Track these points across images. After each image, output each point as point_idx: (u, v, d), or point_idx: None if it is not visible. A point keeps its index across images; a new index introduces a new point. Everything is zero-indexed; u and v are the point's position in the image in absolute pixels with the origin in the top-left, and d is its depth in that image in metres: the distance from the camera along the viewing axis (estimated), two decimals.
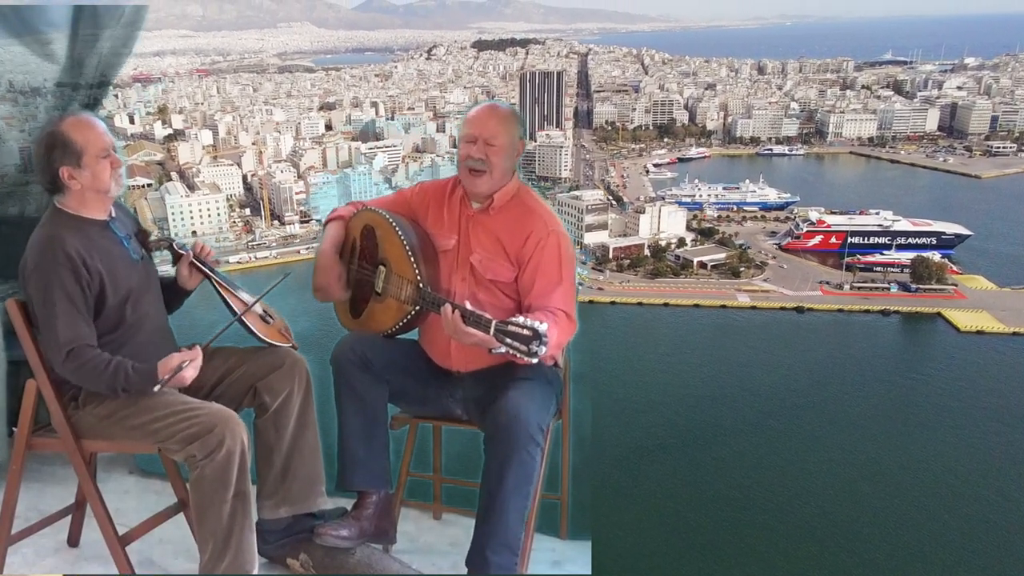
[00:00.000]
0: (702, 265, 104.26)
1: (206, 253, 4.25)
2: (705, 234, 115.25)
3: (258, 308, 4.19)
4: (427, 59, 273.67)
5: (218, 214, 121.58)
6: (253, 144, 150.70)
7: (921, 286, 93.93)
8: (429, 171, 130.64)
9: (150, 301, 4.05)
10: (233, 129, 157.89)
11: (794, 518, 51.59)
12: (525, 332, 3.43)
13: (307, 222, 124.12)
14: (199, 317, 4.71)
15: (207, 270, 4.21)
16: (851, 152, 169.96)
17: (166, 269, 4.26)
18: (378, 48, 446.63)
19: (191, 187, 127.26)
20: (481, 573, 3.83)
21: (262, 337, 4.11)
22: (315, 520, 4.22)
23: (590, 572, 4.56)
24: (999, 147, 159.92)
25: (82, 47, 5.54)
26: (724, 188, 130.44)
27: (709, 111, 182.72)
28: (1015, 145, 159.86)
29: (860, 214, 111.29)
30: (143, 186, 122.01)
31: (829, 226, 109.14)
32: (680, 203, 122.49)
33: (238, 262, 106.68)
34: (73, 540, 4.48)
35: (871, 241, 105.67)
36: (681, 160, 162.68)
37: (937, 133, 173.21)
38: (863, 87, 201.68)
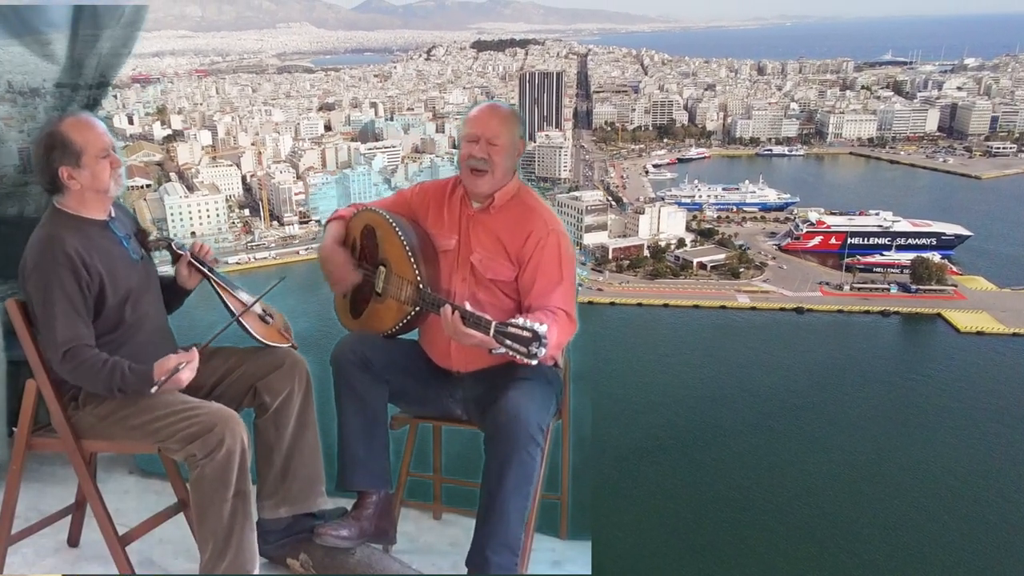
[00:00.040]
0: (702, 266, 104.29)
1: (204, 252, 4.25)
2: (705, 235, 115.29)
3: (257, 308, 4.19)
4: (426, 60, 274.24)
5: (217, 215, 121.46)
6: (252, 145, 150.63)
7: (921, 287, 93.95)
8: (428, 172, 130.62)
9: (150, 301, 4.05)
10: (232, 130, 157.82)
11: (794, 519, 51.59)
12: (525, 334, 3.42)
13: (306, 223, 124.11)
14: (199, 317, 4.70)
15: (205, 270, 4.21)
16: (851, 153, 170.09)
17: (166, 269, 4.26)
18: (377, 49, 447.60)
19: (190, 188, 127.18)
20: (481, 573, 3.83)
21: (259, 339, 4.11)
22: (315, 520, 4.21)
23: (590, 572, 4.56)
24: (999, 148, 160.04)
25: (82, 47, 5.53)
26: (724, 189, 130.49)
27: (709, 112, 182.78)
28: (1015, 146, 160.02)
29: (860, 215, 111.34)
30: (142, 187, 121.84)
31: (829, 227, 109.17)
32: (680, 204, 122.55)
33: (237, 263, 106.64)
34: (73, 540, 4.48)
35: (871, 242, 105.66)
36: (681, 161, 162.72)
37: (937, 134, 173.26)
38: (863, 87, 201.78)
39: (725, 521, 51.20)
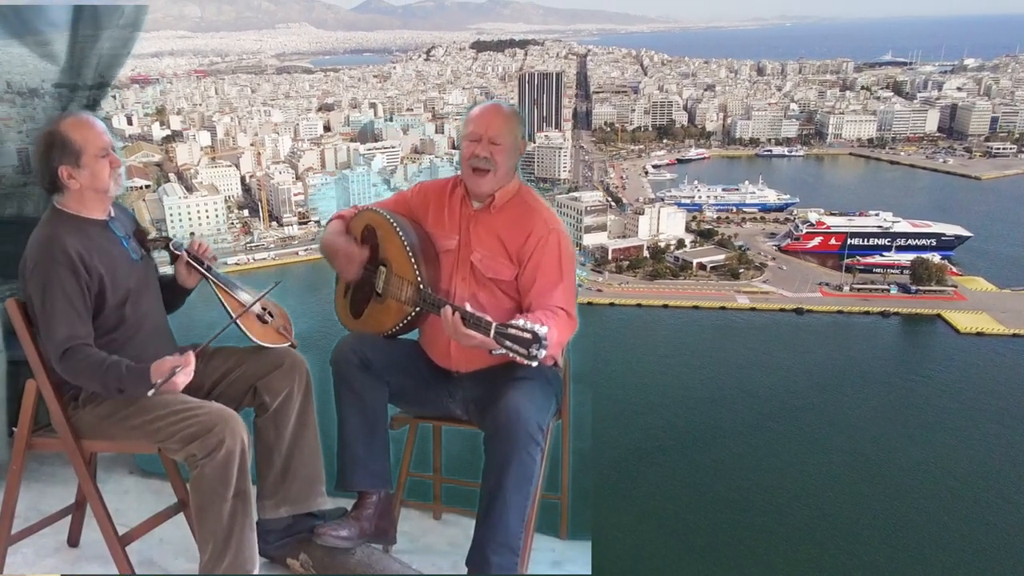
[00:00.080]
0: (701, 266, 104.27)
1: (203, 251, 4.25)
2: (704, 235, 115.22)
3: (256, 307, 4.18)
4: (426, 60, 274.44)
5: (216, 215, 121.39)
6: (251, 145, 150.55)
7: (921, 287, 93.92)
8: (428, 172, 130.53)
9: (149, 301, 4.06)
10: (231, 130, 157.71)
11: (793, 520, 51.57)
12: (525, 335, 3.42)
13: (306, 223, 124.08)
14: (198, 317, 4.70)
15: (202, 270, 4.21)
16: (851, 153, 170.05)
17: (168, 269, 4.26)
18: (377, 49, 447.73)
19: (189, 188, 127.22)
20: (481, 573, 3.83)
21: (255, 341, 4.10)
22: (315, 520, 4.21)
23: (590, 572, 4.56)
24: (999, 148, 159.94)
25: (82, 48, 5.54)
26: (723, 189, 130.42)
27: (708, 112, 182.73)
28: (1015, 146, 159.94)
29: (860, 215, 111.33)
30: (141, 187, 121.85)
31: (829, 227, 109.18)
32: (679, 204, 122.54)
33: (236, 263, 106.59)
34: (73, 540, 4.48)
35: (871, 242, 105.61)
36: (680, 161, 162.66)
37: (937, 134, 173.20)
38: (863, 88, 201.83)
39: (725, 522, 51.19)
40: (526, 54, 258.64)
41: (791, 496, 54.22)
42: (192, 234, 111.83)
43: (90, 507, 3.94)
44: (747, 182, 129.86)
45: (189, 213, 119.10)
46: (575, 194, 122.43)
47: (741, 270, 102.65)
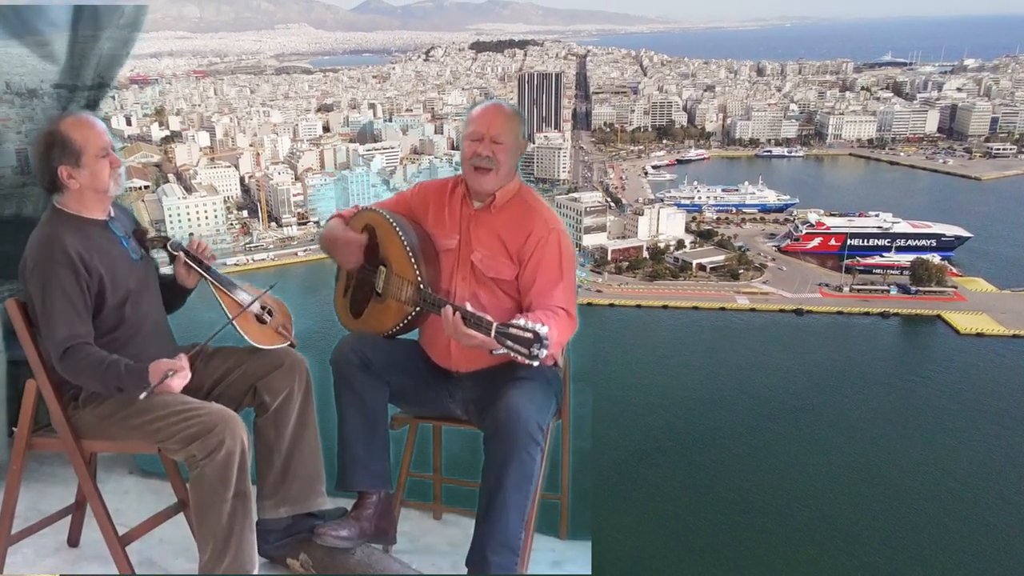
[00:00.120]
0: (701, 267, 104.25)
1: (201, 250, 4.25)
2: (704, 236, 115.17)
3: (255, 306, 4.18)
4: (425, 60, 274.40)
5: (215, 216, 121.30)
6: (250, 146, 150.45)
7: (921, 288, 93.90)
8: (427, 173, 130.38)
9: (149, 301, 4.06)
10: (230, 131, 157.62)
11: (793, 521, 51.56)
12: (526, 335, 3.42)
13: (305, 224, 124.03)
14: (198, 317, 4.70)
15: (200, 270, 4.20)
16: (850, 154, 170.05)
17: (168, 269, 4.26)
18: (376, 49, 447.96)
19: (188, 189, 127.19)
20: (481, 573, 3.83)
21: (252, 343, 4.10)
22: (315, 520, 4.21)
23: (590, 572, 4.56)
24: (999, 149, 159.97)
25: (82, 48, 5.53)
26: (723, 190, 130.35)
27: (708, 113, 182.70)
28: (1015, 147, 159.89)
29: (859, 216, 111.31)
30: (140, 188, 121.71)
31: (828, 228, 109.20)
32: (679, 205, 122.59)
33: (235, 264, 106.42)
34: (73, 540, 4.48)
35: (871, 243, 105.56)
36: (680, 162, 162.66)
37: (937, 135, 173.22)
38: (862, 88, 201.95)
39: (724, 523, 51.17)
40: (525, 54, 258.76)
41: (791, 497, 54.21)
42: (191, 234, 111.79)
43: (90, 507, 3.95)
44: (747, 183, 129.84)
45: (188, 214, 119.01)
46: (574, 195, 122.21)
47: (741, 271, 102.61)
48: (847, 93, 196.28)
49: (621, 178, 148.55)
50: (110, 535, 3.85)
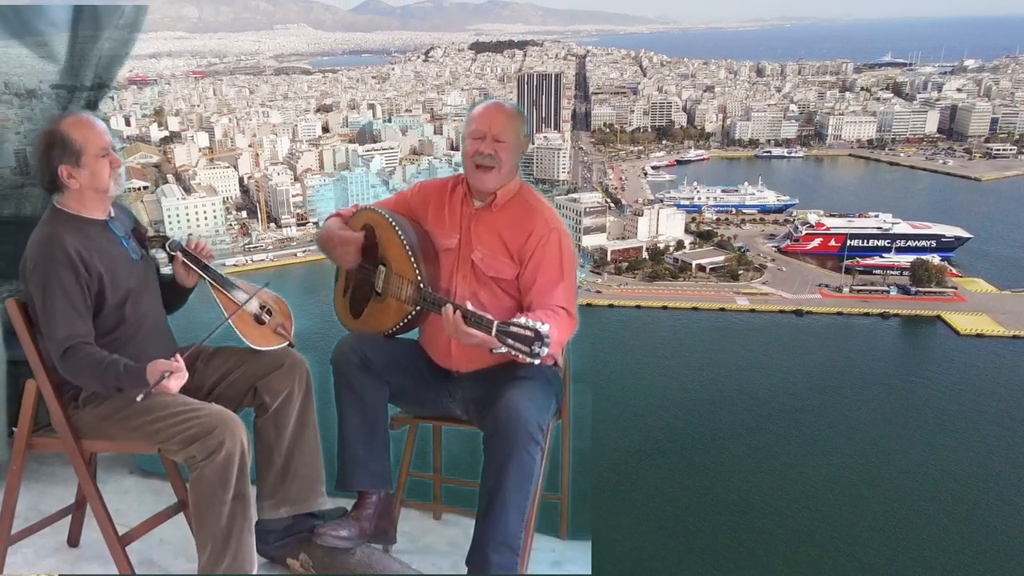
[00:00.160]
0: (701, 268, 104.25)
1: (199, 249, 4.24)
2: (704, 237, 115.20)
3: (254, 307, 4.17)
4: (424, 61, 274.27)
5: (214, 217, 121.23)
6: (250, 146, 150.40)
7: (921, 289, 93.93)
8: (426, 173, 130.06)
9: (149, 301, 4.06)
10: (229, 131, 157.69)
11: (793, 522, 51.56)
12: (527, 333, 3.42)
13: (304, 225, 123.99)
14: (198, 317, 4.70)
15: (197, 269, 4.20)
16: (850, 154, 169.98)
17: (169, 269, 4.26)
18: (375, 50, 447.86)
19: (187, 190, 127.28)
20: (481, 572, 3.83)
21: (249, 344, 4.09)
22: (315, 520, 4.21)
23: (590, 572, 4.56)
24: (999, 149, 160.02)
25: (82, 48, 5.54)
26: (723, 190, 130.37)
27: (708, 113, 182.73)
28: (1015, 147, 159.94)
29: (859, 217, 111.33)
30: (139, 189, 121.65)
31: (828, 229, 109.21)
32: (678, 206, 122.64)
33: (235, 265, 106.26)
34: (73, 540, 4.48)
35: (870, 244, 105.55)
36: (680, 162, 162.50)
37: (937, 135, 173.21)
38: (862, 89, 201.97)
39: (724, 524, 51.18)
40: (525, 55, 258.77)
41: (790, 498, 54.21)
42: (190, 235, 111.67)
43: (90, 507, 3.95)
44: (746, 183, 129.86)
45: (187, 214, 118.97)
46: (574, 195, 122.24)
47: (740, 271, 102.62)
48: (847, 94, 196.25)
49: (621, 179, 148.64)
50: (110, 535, 3.85)
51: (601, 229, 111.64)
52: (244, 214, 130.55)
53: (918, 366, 77.50)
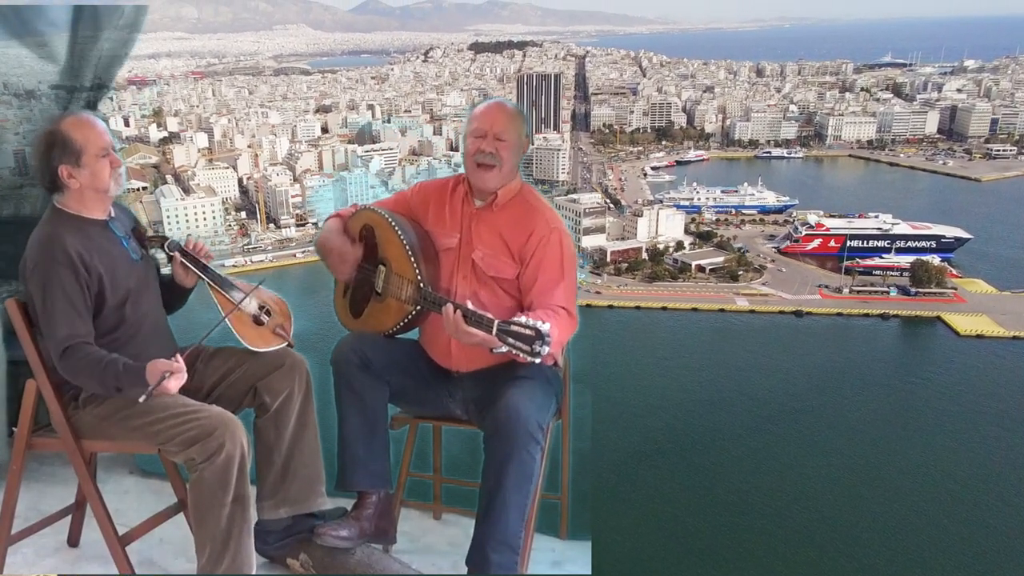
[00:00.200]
0: (700, 269, 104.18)
1: (197, 250, 4.24)
2: (703, 237, 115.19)
3: (253, 307, 4.17)
4: (424, 61, 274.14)
5: (213, 217, 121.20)
6: (249, 147, 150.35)
7: (920, 290, 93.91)
8: (426, 174, 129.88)
9: (149, 301, 4.07)
10: (229, 132, 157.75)
11: (793, 523, 51.56)
12: (528, 332, 3.42)
13: (303, 225, 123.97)
14: (198, 317, 4.70)
15: (196, 269, 4.20)
16: (850, 155, 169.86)
17: (168, 269, 4.27)
18: (374, 50, 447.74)
19: (186, 190, 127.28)
20: (481, 572, 3.83)
21: (247, 345, 4.09)
22: (315, 520, 4.21)
23: (590, 572, 4.56)
24: (999, 150, 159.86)
25: (81, 48, 5.54)
26: (722, 191, 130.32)
27: (707, 114, 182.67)
28: (1015, 148, 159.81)
29: (859, 217, 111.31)
30: (138, 189, 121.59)
31: (828, 229, 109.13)
32: (678, 206, 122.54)
33: (234, 265, 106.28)
34: (73, 540, 4.49)
35: (870, 244, 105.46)
36: (679, 163, 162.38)
37: (937, 136, 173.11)
38: (862, 89, 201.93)
39: (724, 525, 51.17)
40: (524, 55, 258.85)
41: (790, 499, 54.21)
42: (188, 235, 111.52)
43: (90, 507, 3.95)
44: (746, 184, 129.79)
45: (186, 215, 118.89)
46: (573, 196, 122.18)
47: (740, 272, 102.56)
48: (847, 94, 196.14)
49: (620, 179, 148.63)
50: (110, 535, 3.85)
51: (601, 230, 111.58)
52: (243, 215, 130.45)
53: (918, 367, 77.49)
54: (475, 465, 3.95)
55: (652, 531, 50.10)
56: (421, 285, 4.03)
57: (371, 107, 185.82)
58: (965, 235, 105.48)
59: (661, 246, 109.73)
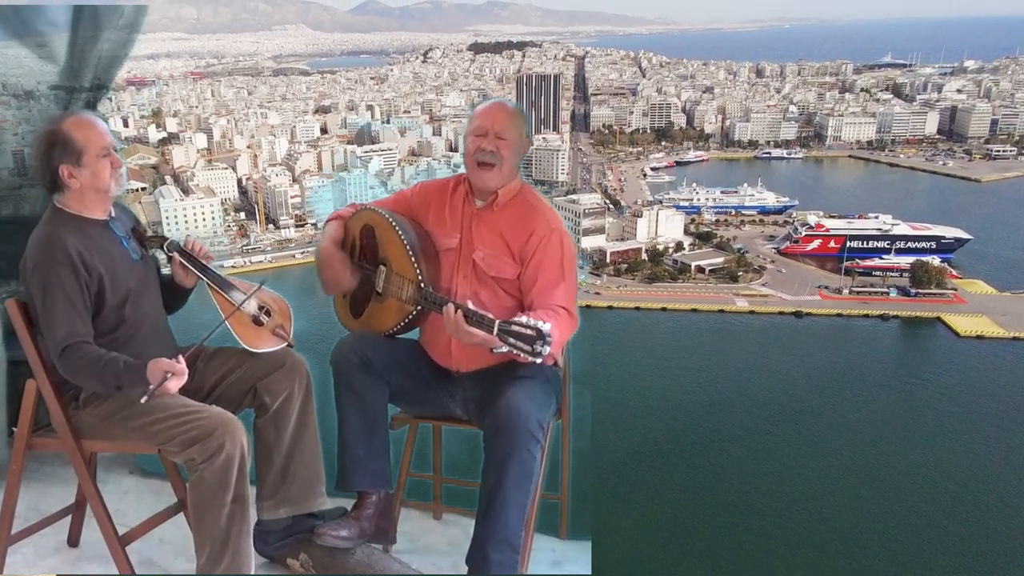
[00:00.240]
0: (700, 269, 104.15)
1: (197, 250, 4.24)
2: (703, 238, 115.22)
3: (252, 308, 4.16)
4: (423, 62, 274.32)
5: (213, 218, 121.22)
6: (248, 147, 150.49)
7: (920, 290, 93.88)
8: (425, 174, 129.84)
9: (149, 301, 4.06)
10: (228, 132, 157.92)
11: (793, 524, 51.55)
12: (528, 332, 3.42)
13: (302, 226, 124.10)
14: (198, 318, 4.70)
15: (195, 270, 4.20)
16: (850, 155, 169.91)
17: (168, 269, 4.27)
18: (374, 51, 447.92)
19: (185, 191, 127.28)
20: (482, 571, 3.83)
21: (245, 347, 4.09)
22: (315, 520, 4.21)
23: (590, 572, 4.56)
24: (999, 150, 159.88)
25: (81, 49, 5.53)
26: (722, 192, 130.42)
27: (707, 114, 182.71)
28: (1015, 148, 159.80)
29: (859, 218, 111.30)
30: (137, 190, 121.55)
31: (828, 230, 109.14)
32: (678, 207, 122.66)
33: (233, 266, 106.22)
34: (73, 540, 4.49)
35: (870, 245, 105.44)
36: (679, 163, 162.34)
37: (936, 136, 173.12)
38: (862, 90, 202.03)
39: (724, 525, 51.18)
40: (524, 56, 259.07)
41: (790, 500, 54.21)
42: (188, 235, 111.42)
43: (90, 507, 3.95)
44: (746, 184, 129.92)
45: (185, 216, 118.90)
46: (573, 196, 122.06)
47: (740, 273, 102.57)
48: (846, 95, 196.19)
49: (620, 180, 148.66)
50: (110, 535, 3.85)
51: (600, 230, 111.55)
52: (242, 215, 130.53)
53: (918, 368, 77.49)
54: (475, 465, 3.95)
55: (652, 531, 50.11)
56: (422, 285, 4.02)
57: (370, 108, 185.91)
58: (965, 236, 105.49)
59: (661, 247, 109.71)
